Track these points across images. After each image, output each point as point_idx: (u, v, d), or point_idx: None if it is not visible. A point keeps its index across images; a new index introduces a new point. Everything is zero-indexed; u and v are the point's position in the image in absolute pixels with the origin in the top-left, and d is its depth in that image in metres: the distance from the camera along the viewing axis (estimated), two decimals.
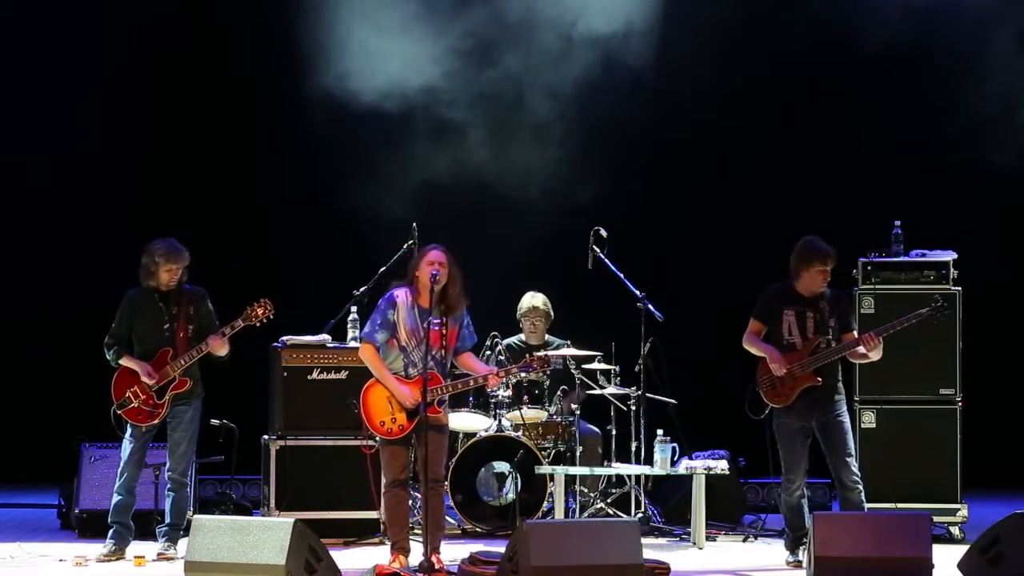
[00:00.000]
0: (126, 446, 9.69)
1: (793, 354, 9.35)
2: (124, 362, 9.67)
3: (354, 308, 10.78)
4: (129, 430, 9.69)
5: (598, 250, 11.00)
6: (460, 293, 9.10)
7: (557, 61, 13.11)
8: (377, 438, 9.24)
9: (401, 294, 9.13)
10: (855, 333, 9.41)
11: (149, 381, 9.58)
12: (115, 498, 9.72)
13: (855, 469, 9.35)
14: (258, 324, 9.66)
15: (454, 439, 10.79)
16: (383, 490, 9.51)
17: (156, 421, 9.66)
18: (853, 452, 9.39)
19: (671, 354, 11.43)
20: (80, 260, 13.42)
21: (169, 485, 9.75)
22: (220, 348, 9.62)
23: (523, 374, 9.28)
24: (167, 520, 9.74)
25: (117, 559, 9.58)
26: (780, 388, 9.36)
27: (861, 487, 9.36)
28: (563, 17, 13.01)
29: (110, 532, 9.69)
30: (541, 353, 9.26)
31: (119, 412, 9.65)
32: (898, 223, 10.78)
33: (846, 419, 9.41)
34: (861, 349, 9.30)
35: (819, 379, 9.30)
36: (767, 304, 9.48)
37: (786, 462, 9.43)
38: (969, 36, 12.81)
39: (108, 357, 9.72)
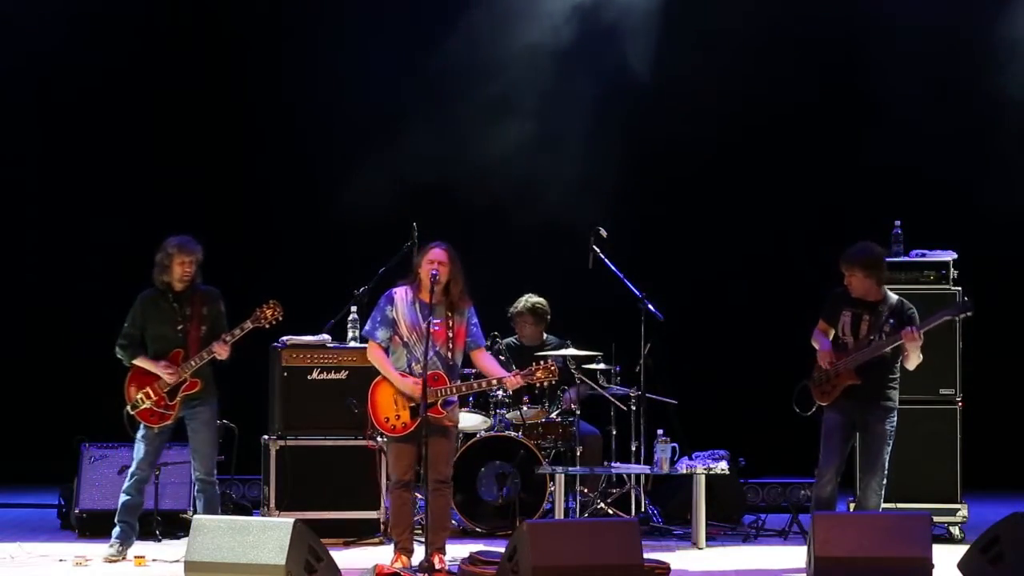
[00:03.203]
0: (139, 447, 9.68)
1: (843, 353, 9.36)
2: (138, 362, 9.65)
3: (354, 308, 10.78)
4: (142, 431, 9.67)
5: (598, 250, 11.01)
6: (463, 291, 9.10)
7: (557, 59, 13.11)
8: (384, 436, 9.27)
9: (400, 291, 9.15)
10: None
11: (169, 377, 9.57)
12: (123, 497, 9.71)
13: (881, 480, 9.30)
14: (267, 326, 9.65)
15: None
16: (389, 489, 9.52)
17: (168, 422, 9.64)
18: (884, 463, 9.32)
19: (671, 354, 11.44)
20: (80, 260, 13.42)
21: (197, 487, 9.73)
22: (222, 353, 9.61)
23: (530, 382, 9.26)
24: None
25: (121, 558, 9.57)
26: (824, 385, 9.38)
27: (880, 498, 9.33)
28: (563, 13, 13.03)
29: (115, 531, 9.68)
30: (545, 364, 9.21)
31: (132, 413, 9.66)
32: (898, 223, 10.78)
33: (885, 428, 9.31)
34: (908, 349, 9.21)
35: (859, 379, 9.28)
36: (831, 305, 9.50)
37: (821, 455, 9.42)
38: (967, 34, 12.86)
39: (121, 357, 9.69)
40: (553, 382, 9.48)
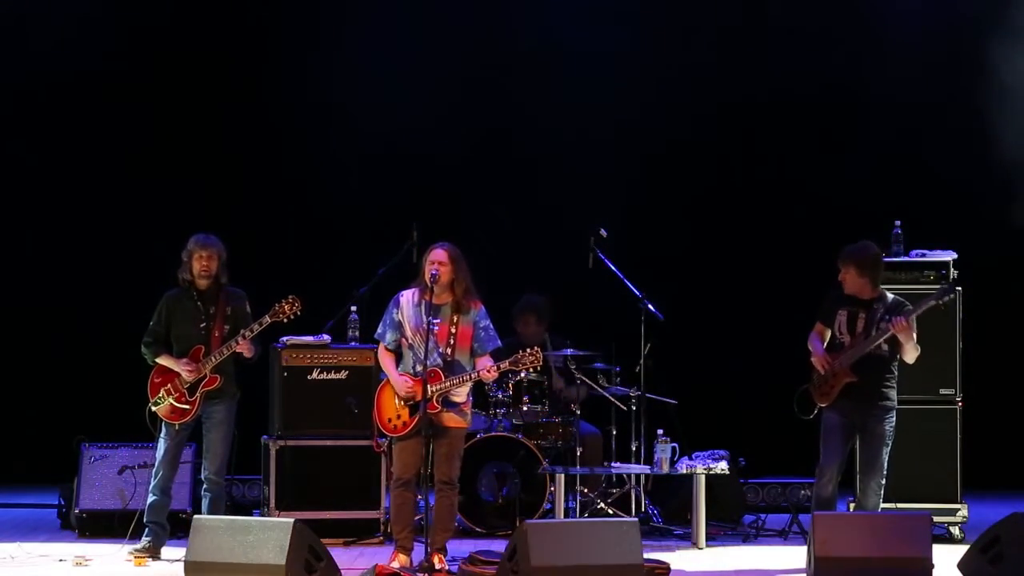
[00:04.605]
0: (161, 445, 9.68)
1: (839, 352, 9.36)
2: (161, 360, 9.67)
3: (354, 308, 10.79)
4: (163, 429, 9.68)
5: (598, 250, 11.00)
6: (467, 291, 9.10)
7: (559, 58, 13.11)
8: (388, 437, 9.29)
9: (407, 293, 9.19)
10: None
11: (188, 374, 9.56)
12: (150, 498, 9.72)
13: (880, 480, 9.30)
14: (285, 320, 9.64)
15: None
16: (390, 488, 9.52)
17: (188, 419, 9.64)
18: (884, 464, 9.31)
19: (672, 354, 11.43)
20: (80, 260, 13.40)
21: (205, 486, 9.73)
22: (244, 350, 9.61)
23: (516, 369, 9.24)
24: None
25: (152, 558, 9.58)
26: (823, 386, 9.37)
27: (879, 498, 9.32)
28: (566, 12, 13.04)
29: (145, 531, 9.69)
30: (531, 350, 9.19)
31: (153, 410, 9.65)
32: (898, 223, 10.78)
33: (884, 428, 9.30)
34: (902, 340, 9.20)
35: (856, 377, 9.28)
36: (827, 306, 9.50)
37: (822, 455, 9.41)
38: (966, 35, 12.87)
39: (145, 355, 9.71)
40: (538, 368, 9.51)
